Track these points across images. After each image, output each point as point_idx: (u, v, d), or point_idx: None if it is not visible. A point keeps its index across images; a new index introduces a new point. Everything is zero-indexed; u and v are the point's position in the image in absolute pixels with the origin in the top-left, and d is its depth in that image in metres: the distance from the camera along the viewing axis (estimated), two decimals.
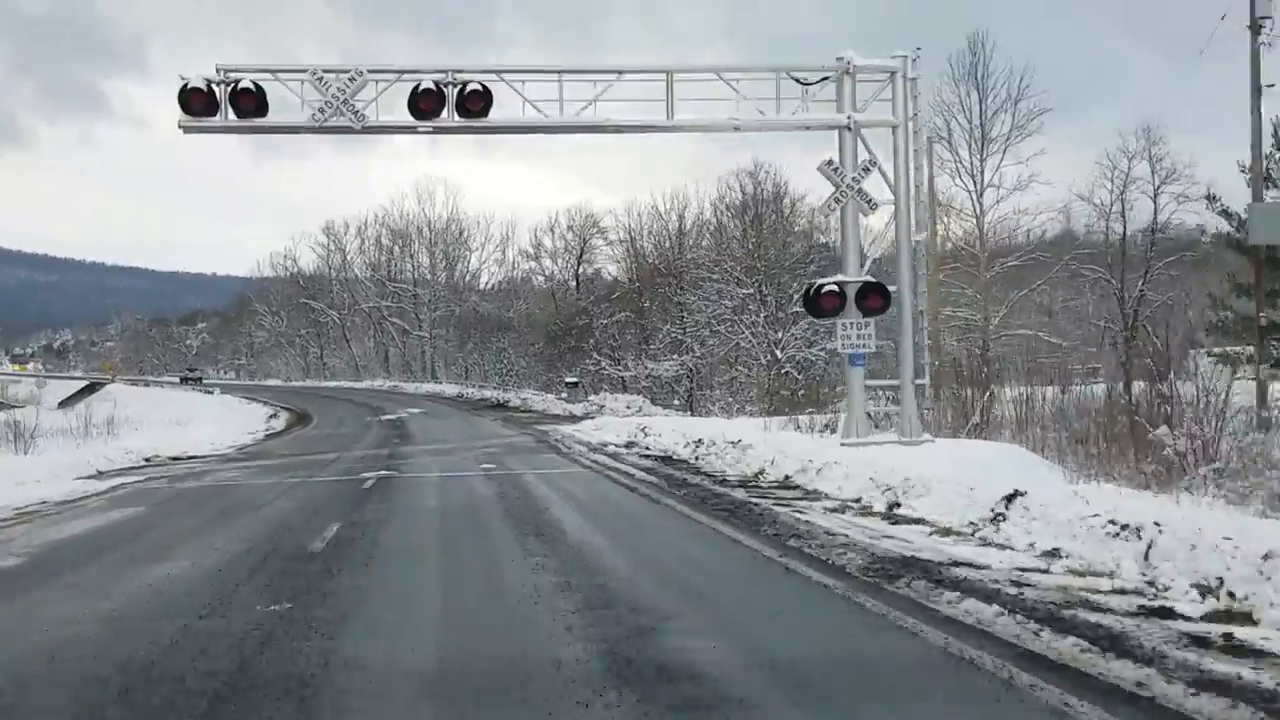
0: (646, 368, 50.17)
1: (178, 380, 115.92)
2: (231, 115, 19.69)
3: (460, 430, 39.42)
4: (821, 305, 20.70)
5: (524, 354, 74.31)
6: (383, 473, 21.67)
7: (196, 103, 19.46)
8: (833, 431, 23.80)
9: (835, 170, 20.84)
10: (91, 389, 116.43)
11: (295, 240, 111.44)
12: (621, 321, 54.60)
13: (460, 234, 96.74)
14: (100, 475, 22.83)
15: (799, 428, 26.43)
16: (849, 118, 20.72)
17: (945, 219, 41.26)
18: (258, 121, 20.03)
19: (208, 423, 47.94)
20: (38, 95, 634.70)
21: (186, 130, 19.97)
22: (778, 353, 44.15)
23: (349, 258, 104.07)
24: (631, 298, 55.64)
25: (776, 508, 14.06)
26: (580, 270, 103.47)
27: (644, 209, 62.72)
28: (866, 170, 21.04)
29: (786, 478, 17.43)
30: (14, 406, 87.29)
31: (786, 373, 43.88)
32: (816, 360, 45.06)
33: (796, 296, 45.20)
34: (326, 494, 18.05)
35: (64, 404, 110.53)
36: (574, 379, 52.32)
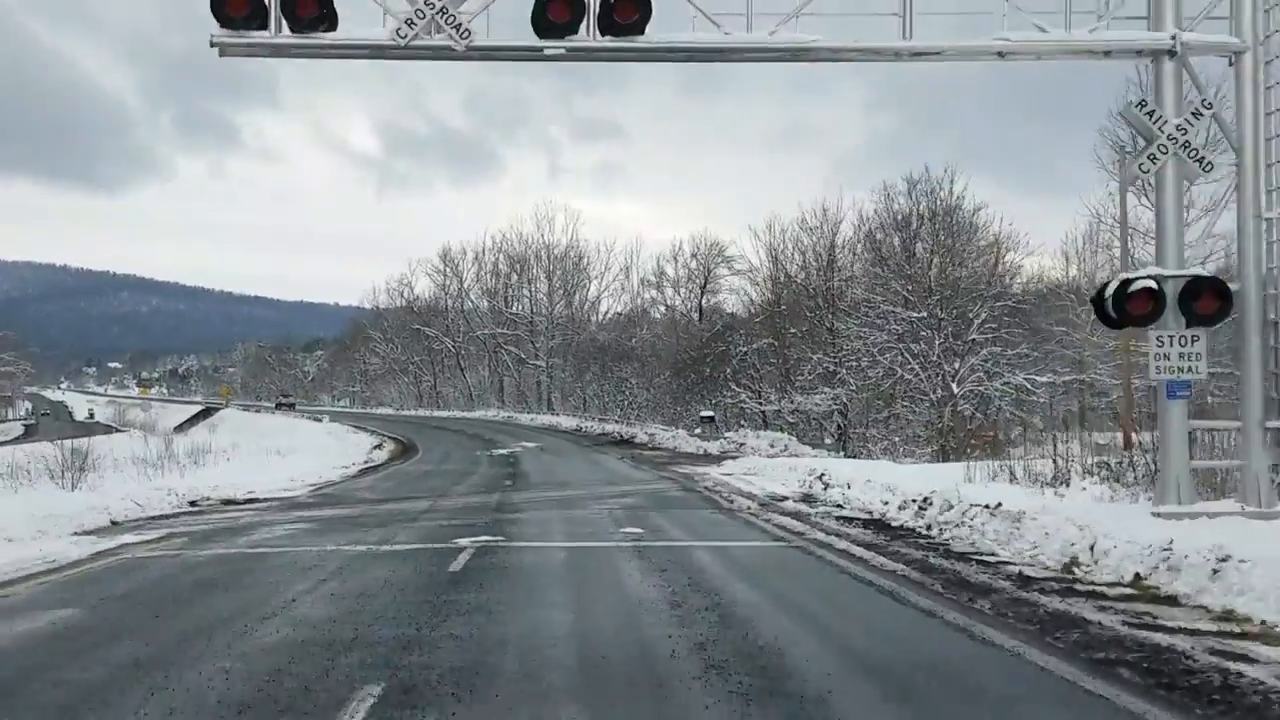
0: (794, 401, 43.36)
1: (273, 406, 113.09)
2: (285, 29, 13.65)
3: (584, 471, 33.12)
4: (1129, 310, 13.92)
5: (648, 385, 68.10)
6: (484, 539, 15.32)
7: (234, 7, 13.41)
8: (1063, 484, 17.26)
9: (1150, 115, 14.06)
10: (207, 413, 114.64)
11: (412, 267, 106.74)
12: (762, 350, 47.87)
13: (580, 260, 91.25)
14: (112, 527, 17.02)
15: (1013, 478, 19.53)
16: (1173, 38, 13.92)
17: None
18: (321, 38, 13.91)
19: (306, 453, 44.49)
20: (175, 128, 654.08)
21: (222, 50, 13.88)
22: (954, 386, 37.01)
23: (465, 285, 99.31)
24: (774, 323, 48.87)
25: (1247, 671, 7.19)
26: (704, 300, 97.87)
27: (788, 223, 56.15)
28: (1198, 115, 14.24)
29: (1138, 578, 10.56)
30: (116, 430, 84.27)
31: (960, 410, 36.70)
32: (994, 396, 37.82)
33: (978, 322, 38.14)
34: (388, 585, 11.65)
35: (180, 428, 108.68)
36: (710, 413, 45.75)
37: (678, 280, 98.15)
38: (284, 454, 42.14)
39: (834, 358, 43.88)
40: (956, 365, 37.76)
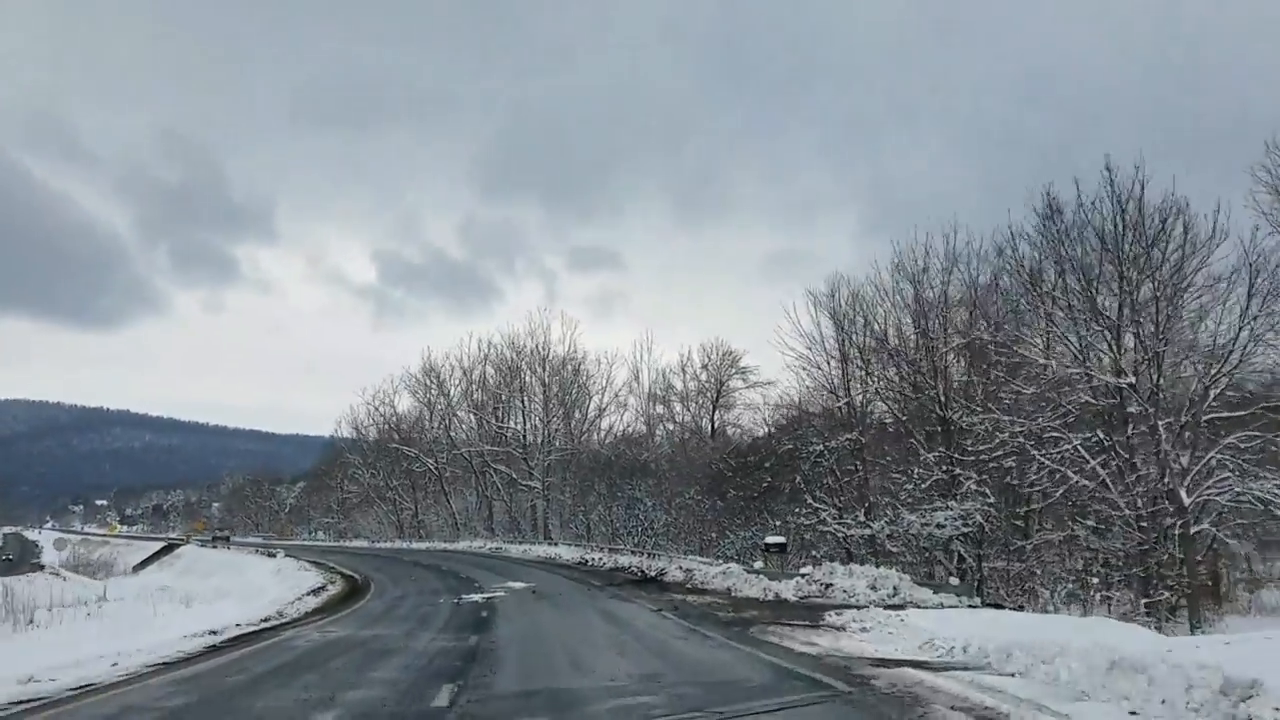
0: (903, 521, 28.68)
1: (210, 540, 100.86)
2: None
3: (604, 641, 18.24)
4: None
5: (667, 506, 53.39)
6: None
7: None
8: None
9: None
10: (168, 550, 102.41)
11: (394, 383, 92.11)
12: (844, 450, 33.21)
13: (578, 371, 77.05)
14: None
15: None
16: None
17: None
18: None
19: (230, 598, 36.40)
20: (171, 261, 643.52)
21: None
22: (1183, 496, 22.37)
23: (452, 399, 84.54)
24: (849, 415, 34.33)
25: None
26: (716, 416, 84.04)
27: (881, 262, 41.58)
28: None
29: None
30: (49, 573, 70.30)
31: (1198, 533, 22.03)
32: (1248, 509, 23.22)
33: (1215, 392, 23.64)
34: None
35: (139, 566, 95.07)
36: (778, 539, 30.64)
37: (686, 394, 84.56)
38: (194, 602, 34.32)
39: (956, 455, 29.19)
40: (1183, 460, 23.09)
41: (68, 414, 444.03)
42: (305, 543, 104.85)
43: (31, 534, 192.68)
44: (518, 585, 35.44)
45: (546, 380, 76.32)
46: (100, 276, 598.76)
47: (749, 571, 30.85)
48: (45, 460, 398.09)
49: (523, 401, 78.14)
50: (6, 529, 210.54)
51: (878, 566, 29.32)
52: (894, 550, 30.60)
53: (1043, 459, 26.30)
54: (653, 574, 36.76)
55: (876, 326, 36.18)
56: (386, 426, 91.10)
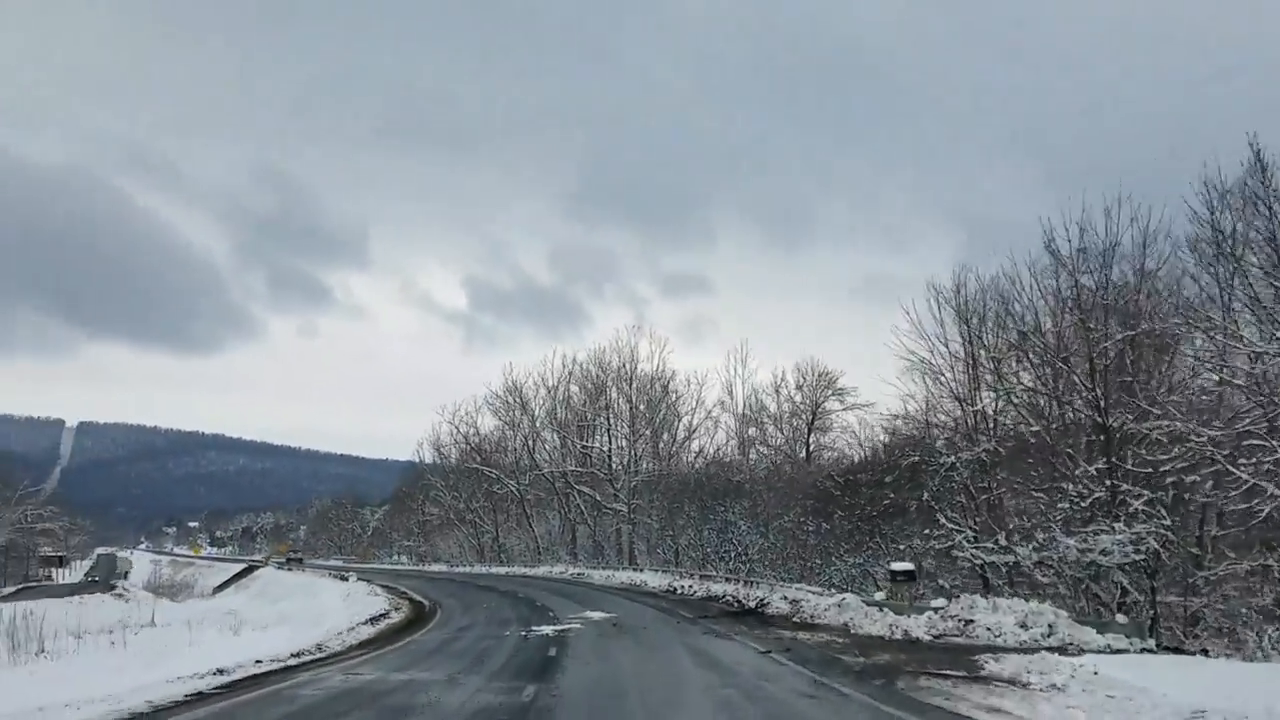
0: (1058, 547, 23.55)
1: (284, 562, 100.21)
2: None
3: (703, 706, 13.46)
4: None
5: (763, 529, 48.50)
6: None
7: None
8: None
9: None
10: (248, 572, 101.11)
11: (476, 402, 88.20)
12: (978, 463, 28.09)
13: (666, 389, 72.42)
14: None
15: None
16: None
17: None
18: None
19: (290, 623, 34.05)
20: (265, 288, 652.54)
21: None
22: None
23: (535, 418, 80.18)
24: (974, 425, 29.19)
25: None
26: (811, 439, 79.09)
27: (1018, 251, 36.16)
28: None
29: None
30: (117, 594, 68.07)
31: None
32: None
33: None
34: None
35: (219, 588, 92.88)
36: (906, 566, 25.51)
37: (780, 416, 79.54)
38: (244, 628, 31.60)
39: (1120, 469, 23.99)
40: None
41: (164, 438, 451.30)
42: (383, 566, 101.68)
43: (124, 554, 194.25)
44: (597, 616, 30.91)
45: (634, 398, 71.88)
46: (197, 303, 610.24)
47: (868, 603, 25.89)
48: (142, 483, 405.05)
49: (608, 420, 73.76)
50: (101, 550, 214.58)
51: (1024, 599, 24.18)
52: (1044, 580, 25.39)
53: (1242, 473, 21.03)
54: (752, 605, 31.91)
55: (1014, 322, 31.02)
56: (468, 447, 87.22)
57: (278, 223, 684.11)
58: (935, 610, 23.96)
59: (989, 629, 23.03)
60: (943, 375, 33.05)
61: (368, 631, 30.70)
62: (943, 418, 32.58)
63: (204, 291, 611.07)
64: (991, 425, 31.31)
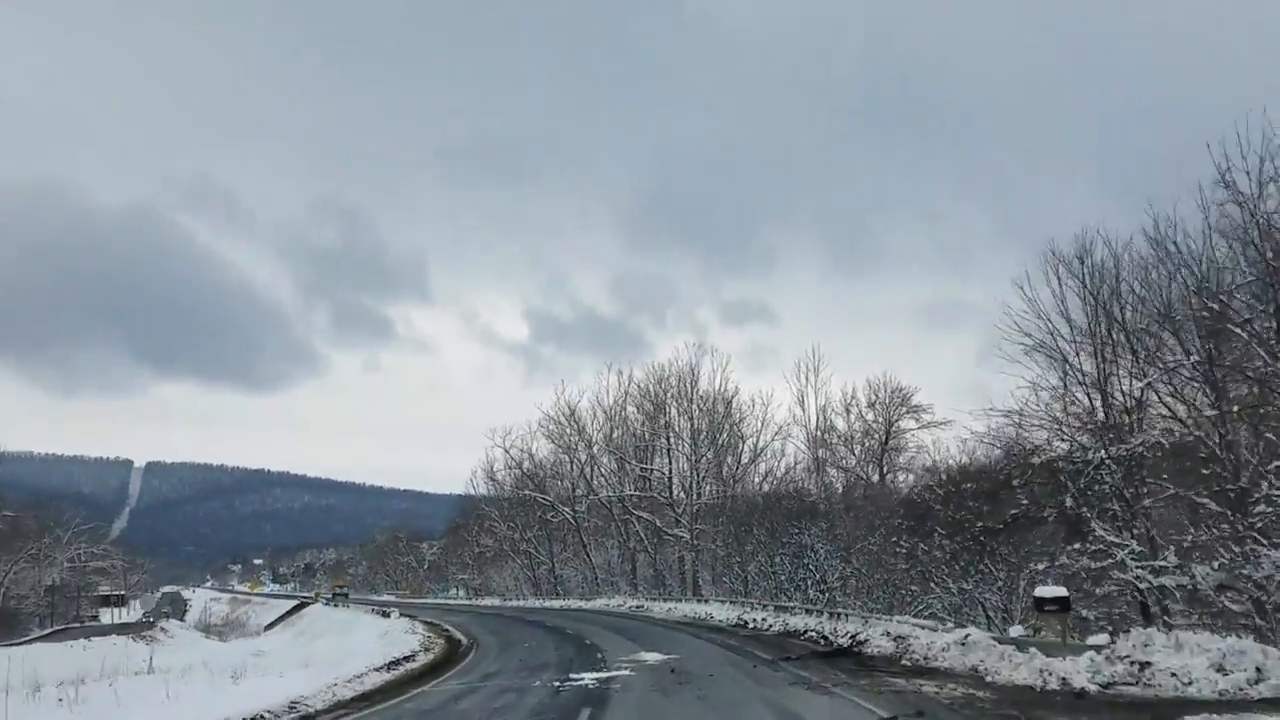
0: (1265, 563, 17.40)
1: (330, 598, 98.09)
2: None
3: None
4: None
5: (845, 554, 42.41)
6: None
7: None
8: None
9: None
10: (299, 609, 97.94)
11: (531, 428, 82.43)
12: (1123, 464, 21.87)
13: (729, 408, 66.52)
14: None
15: None
16: None
17: None
18: None
19: (298, 669, 29.49)
20: (328, 323, 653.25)
21: None
22: None
23: (591, 441, 74.26)
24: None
25: None
26: (885, 460, 72.96)
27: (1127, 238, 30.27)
28: None
29: None
30: (155, 635, 65.49)
31: None
32: None
33: None
34: None
35: (270, 626, 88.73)
36: (1058, 592, 19.14)
37: (850, 436, 73.42)
38: (247, 675, 28.17)
39: None
40: None
41: (230, 476, 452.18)
42: (435, 601, 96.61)
43: (187, 593, 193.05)
44: (653, 658, 25.11)
45: (695, 418, 65.95)
46: (262, 340, 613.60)
47: (1000, 641, 19.79)
48: (209, 521, 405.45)
49: (668, 441, 67.85)
50: (168, 588, 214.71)
51: (1209, 632, 17.98)
52: (1234, 608, 19.15)
53: None
54: (844, 643, 25.86)
55: (1162, 291, 24.86)
56: (521, 474, 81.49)
57: (339, 257, 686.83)
58: (1097, 650, 17.84)
59: (1174, 674, 16.94)
60: (1067, 363, 26.91)
61: (376, 680, 25.58)
62: (1062, 416, 26.37)
63: (268, 328, 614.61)
64: (1134, 419, 25.09)
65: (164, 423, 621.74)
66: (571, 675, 21.67)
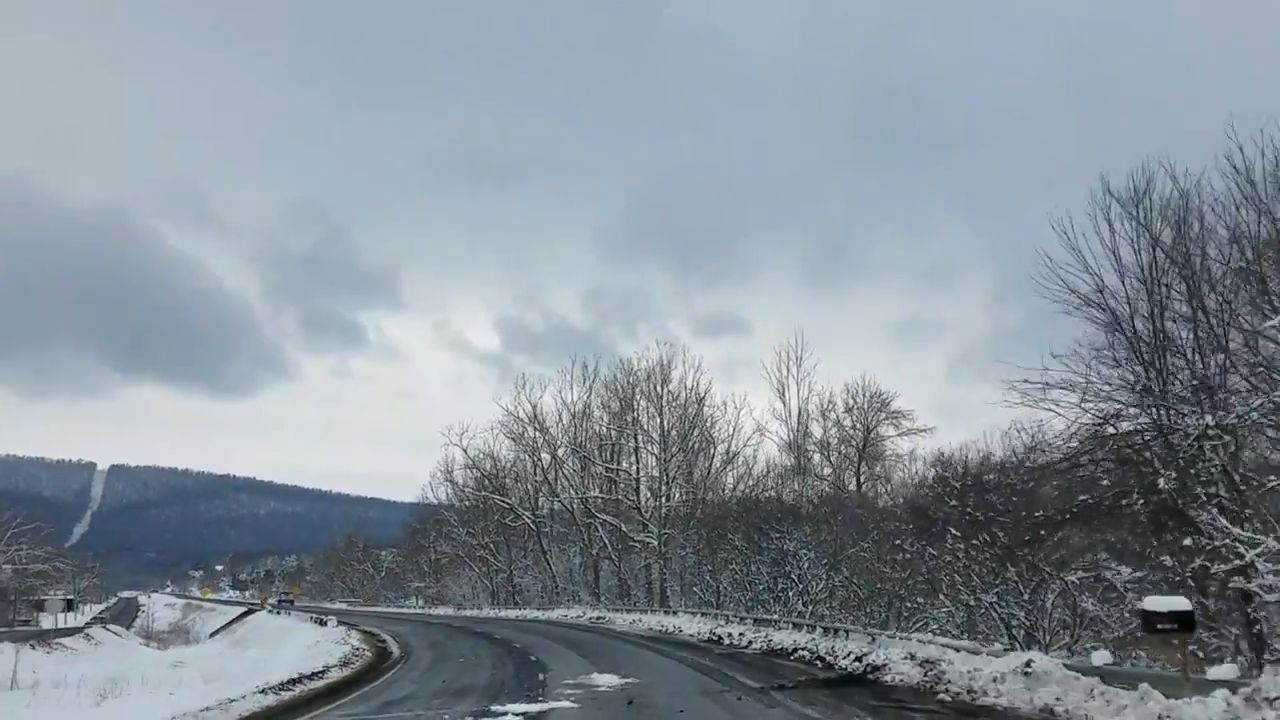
0: None
1: (275, 607, 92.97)
2: None
3: None
4: None
5: (832, 560, 36.91)
6: None
7: None
8: None
9: None
10: (246, 616, 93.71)
11: (492, 428, 75.96)
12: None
13: (700, 405, 60.92)
14: None
15: None
16: None
17: None
18: None
19: (204, 683, 26.46)
20: (298, 328, 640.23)
21: None
22: None
23: (556, 443, 68.05)
24: None
25: None
26: (862, 469, 68.00)
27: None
28: None
29: None
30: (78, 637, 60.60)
31: None
32: None
33: None
34: None
35: (215, 633, 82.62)
36: (1177, 602, 13.74)
37: (826, 442, 68.16)
38: (113, 695, 24.05)
39: None
40: None
41: (195, 481, 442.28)
42: (386, 610, 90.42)
43: (144, 598, 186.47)
44: (606, 682, 19.43)
45: (665, 415, 60.22)
46: (231, 344, 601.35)
47: (1080, 671, 14.21)
48: (173, 526, 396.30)
49: (636, 440, 62.13)
50: (126, 593, 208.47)
51: None
52: None
53: None
54: (849, 666, 20.19)
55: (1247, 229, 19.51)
56: (480, 475, 75.21)
57: (311, 263, 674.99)
58: (1230, 688, 12.28)
59: None
60: (1121, 322, 21.43)
61: (258, 704, 19.81)
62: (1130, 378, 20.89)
63: (238, 332, 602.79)
64: (1214, 382, 19.64)
65: (129, 425, 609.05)
66: (494, 707, 15.98)
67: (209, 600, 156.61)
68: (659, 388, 59.84)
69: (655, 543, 57.02)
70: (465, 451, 69.85)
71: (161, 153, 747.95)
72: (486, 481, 73.15)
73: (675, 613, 42.47)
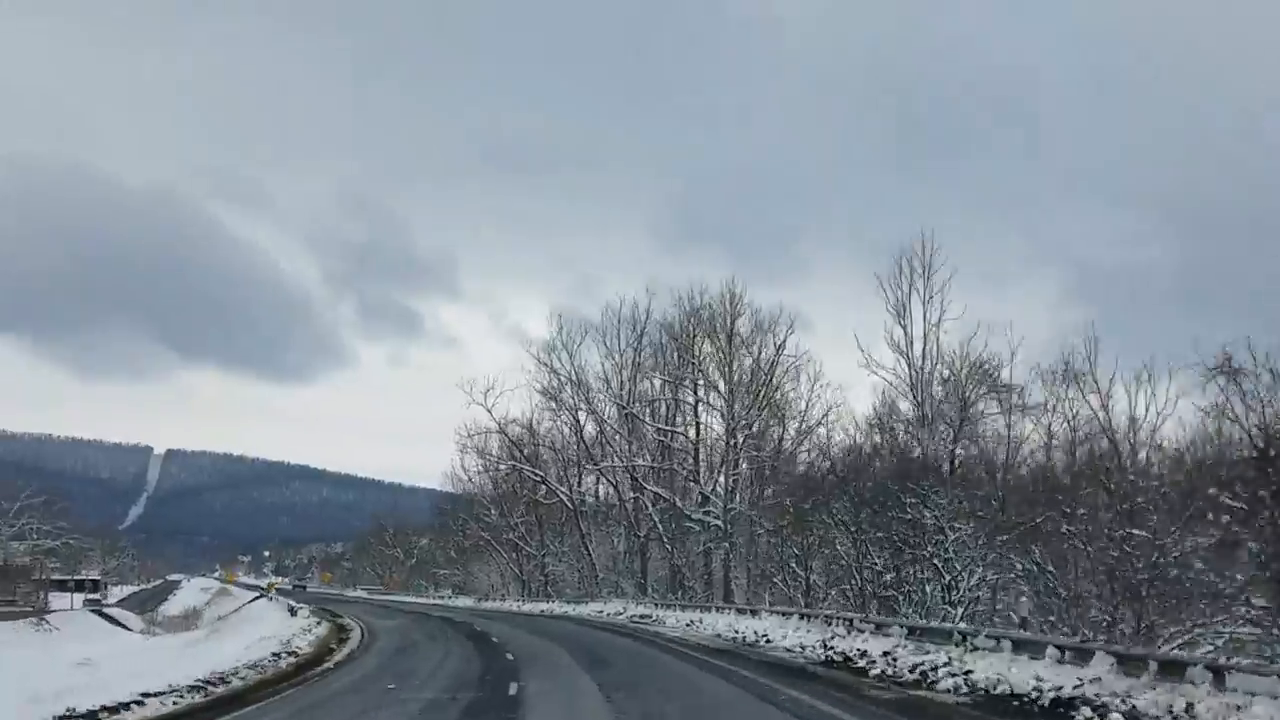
0: None
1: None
2: None
3: None
4: None
5: (998, 543, 23.08)
6: None
7: None
8: None
9: None
10: (253, 601, 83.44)
11: (525, 389, 61.72)
12: None
13: (778, 352, 46.78)
14: None
15: None
16: None
17: None
18: None
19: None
20: (356, 317, 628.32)
21: None
22: None
23: (594, 400, 54.55)
24: None
25: None
26: (957, 449, 53.29)
27: None
28: None
29: None
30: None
31: None
32: None
33: None
34: None
35: (222, 619, 76.43)
36: None
37: (910, 421, 53.70)
38: None
39: None
40: None
41: (250, 468, 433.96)
42: (399, 598, 78.41)
43: (186, 582, 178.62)
44: None
45: (732, 363, 46.31)
46: (288, 330, 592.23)
47: None
48: (226, 512, 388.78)
49: (695, 392, 48.41)
50: (175, 576, 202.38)
51: None
52: None
53: None
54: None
55: None
56: (508, 442, 61.69)
57: (368, 250, 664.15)
58: None
59: None
60: None
61: None
62: None
63: (295, 318, 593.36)
64: None
65: (186, 410, 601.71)
66: None
67: (236, 584, 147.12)
68: (728, 323, 45.96)
69: (718, 521, 43.37)
70: (490, 411, 56.03)
71: (218, 137, 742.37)
72: (517, 451, 59.58)
73: (755, 613, 28.73)
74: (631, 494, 51.38)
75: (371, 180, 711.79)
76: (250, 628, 40.10)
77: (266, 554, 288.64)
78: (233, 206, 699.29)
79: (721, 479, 45.86)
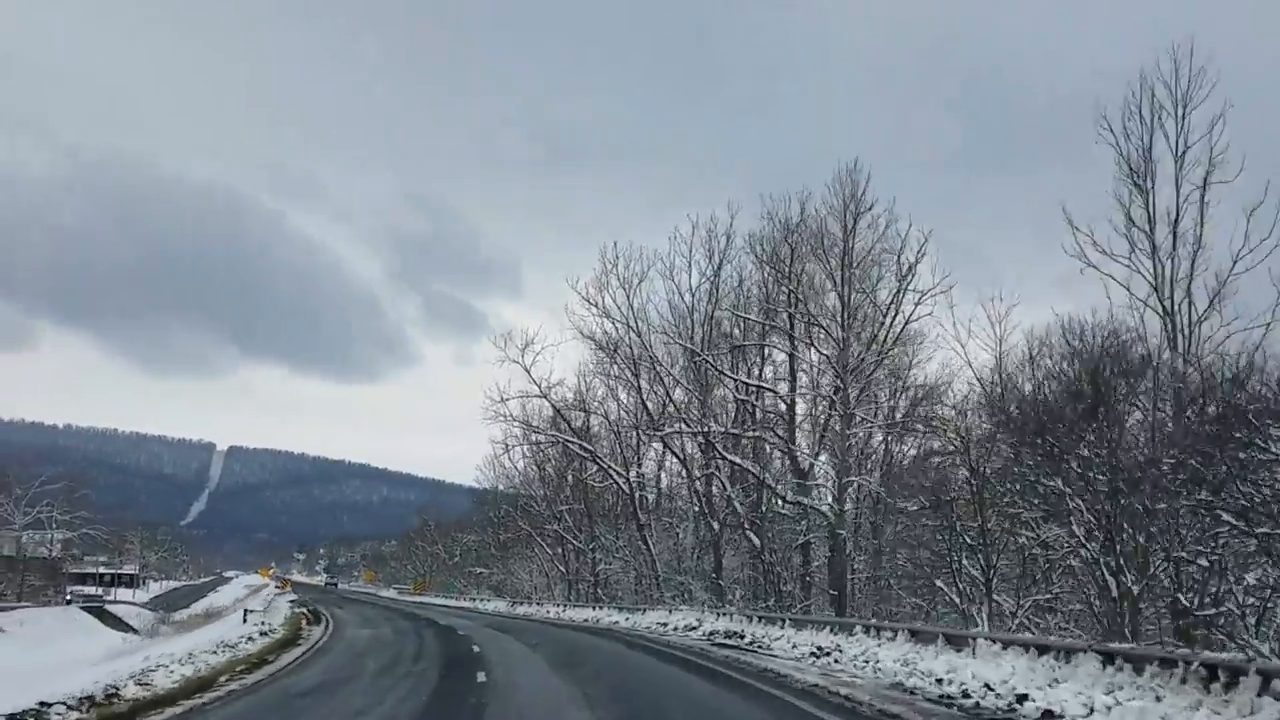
0: None
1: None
2: None
3: None
4: None
5: None
6: None
7: None
8: None
9: None
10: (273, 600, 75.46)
11: (569, 336, 48.82)
12: None
13: (902, 285, 33.67)
14: None
15: None
16: None
17: None
18: None
19: None
20: (421, 315, 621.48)
21: None
22: None
23: (655, 355, 42.04)
24: None
25: None
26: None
27: None
28: None
29: None
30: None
31: None
32: None
33: None
34: None
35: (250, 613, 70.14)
36: None
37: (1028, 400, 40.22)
38: None
39: None
40: None
41: (310, 465, 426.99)
42: (424, 599, 67.21)
43: (236, 578, 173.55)
44: None
45: (849, 285, 33.39)
46: (350, 328, 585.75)
47: None
48: (286, 509, 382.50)
49: (793, 328, 35.56)
50: (230, 572, 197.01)
51: None
52: None
53: None
54: None
55: None
56: (553, 412, 49.34)
57: (431, 249, 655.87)
58: None
59: None
60: None
61: None
62: None
63: (358, 316, 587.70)
64: None
65: (248, 406, 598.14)
66: None
67: (270, 579, 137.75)
68: (841, 244, 33.05)
69: (831, 506, 30.70)
70: (528, 371, 43.66)
71: (279, 133, 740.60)
72: (562, 421, 47.08)
73: (954, 639, 15.84)
74: (701, 473, 38.87)
75: (435, 179, 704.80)
76: (202, 633, 32.90)
77: (322, 551, 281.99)
78: (293, 200, 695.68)
79: (826, 441, 33.17)
